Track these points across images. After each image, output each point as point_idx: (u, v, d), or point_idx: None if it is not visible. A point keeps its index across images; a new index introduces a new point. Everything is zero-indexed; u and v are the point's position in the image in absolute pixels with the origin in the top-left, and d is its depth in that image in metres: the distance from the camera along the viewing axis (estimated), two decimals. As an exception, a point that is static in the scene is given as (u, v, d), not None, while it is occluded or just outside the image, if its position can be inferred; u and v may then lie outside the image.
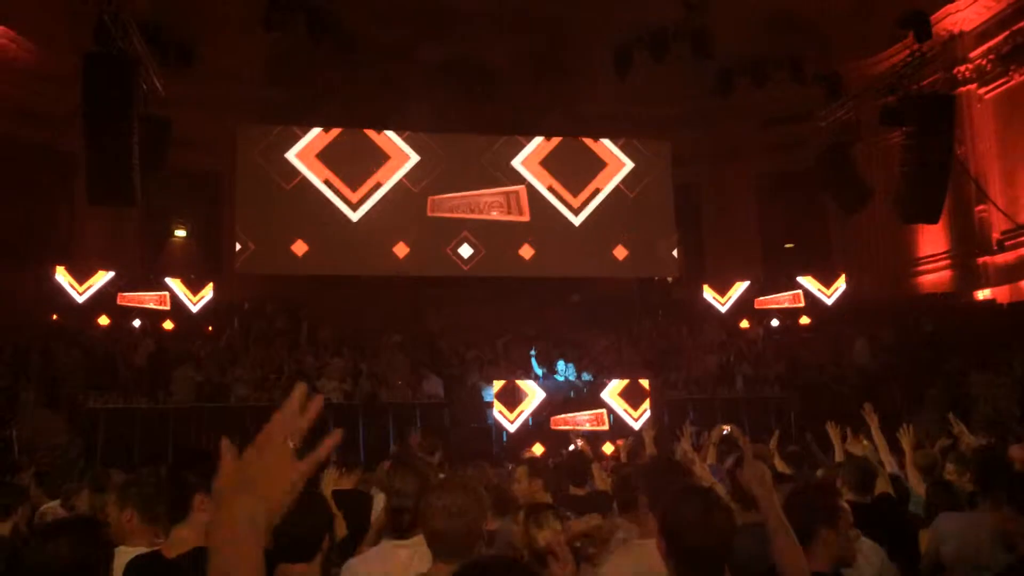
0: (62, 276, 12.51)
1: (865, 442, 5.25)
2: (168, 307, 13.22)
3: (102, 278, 12.79)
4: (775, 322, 14.72)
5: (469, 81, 14.85)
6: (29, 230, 13.85)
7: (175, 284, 13.29)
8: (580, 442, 7.55)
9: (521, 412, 11.22)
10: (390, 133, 14.59)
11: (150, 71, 10.61)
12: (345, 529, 3.32)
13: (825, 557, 2.32)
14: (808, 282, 14.64)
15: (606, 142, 15.35)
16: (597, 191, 15.13)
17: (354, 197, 14.32)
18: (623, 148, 15.39)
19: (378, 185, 14.38)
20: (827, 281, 14.62)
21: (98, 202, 9.92)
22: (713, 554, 1.91)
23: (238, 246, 13.92)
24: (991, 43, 13.75)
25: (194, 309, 13.36)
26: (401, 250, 14.35)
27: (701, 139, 16.85)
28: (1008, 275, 13.61)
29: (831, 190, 13.86)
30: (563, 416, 11.22)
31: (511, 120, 15.25)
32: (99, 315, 12.67)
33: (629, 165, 15.31)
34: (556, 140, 15.13)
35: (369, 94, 14.73)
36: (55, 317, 12.75)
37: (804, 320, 14.61)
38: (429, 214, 14.53)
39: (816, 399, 11.79)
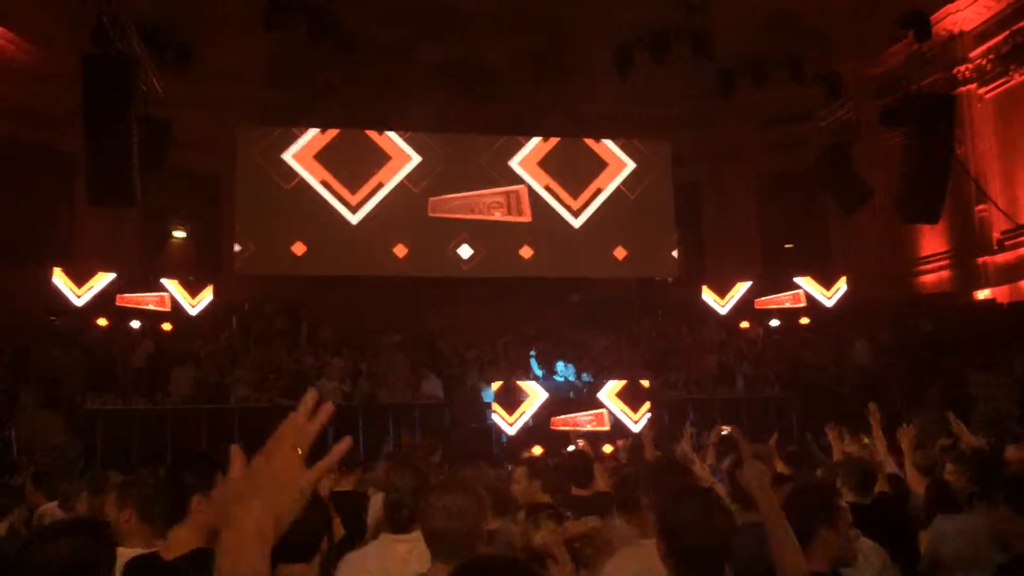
0: (59, 278, 12.51)
1: (866, 440, 5.26)
2: (168, 308, 13.21)
3: (102, 279, 12.79)
4: (775, 322, 14.72)
5: (469, 81, 14.84)
6: (29, 230, 13.84)
7: (173, 286, 13.28)
8: (581, 442, 7.54)
9: (522, 413, 11.20)
10: (391, 134, 14.60)
11: (149, 72, 10.61)
12: (343, 529, 3.32)
13: (825, 557, 2.32)
14: (807, 283, 14.64)
15: (607, 142, 15.37)
16: (599, 191, 15.15)
17: (354, 198, 14.32)
18: (624, 148, 15.40)
19: (379, 186, 14.40)
20: (827, 282, 14.62)
21: (97, 203, 9.92)
22: (712, 554, 1.90)
23: (237, 247, 13.92)
24: (991, 43, 13.75)
25: (193, 312, 13.35)
26: (401, 251, 14.36)
27: (701, 139, 16.85)
28: (1008, 275, 13.61)
29: (831, 190, 13.87)
30: (563, 417, 11.20)
31: (511, 120, 15.25)
32: (98, 316, 12.66)
33: (631, 166, 15.33)
34: (555, 140, 15.14)
35: (369, 94, 14.73)
36: (53, 318, 12.74)
37: (804, 320, 14.61)
38: (430, 215, 14.55)
39: (816, 399, 11.79)
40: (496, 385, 11.47)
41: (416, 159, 14.59)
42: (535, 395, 11.32)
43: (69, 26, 12.33)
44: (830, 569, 2.35)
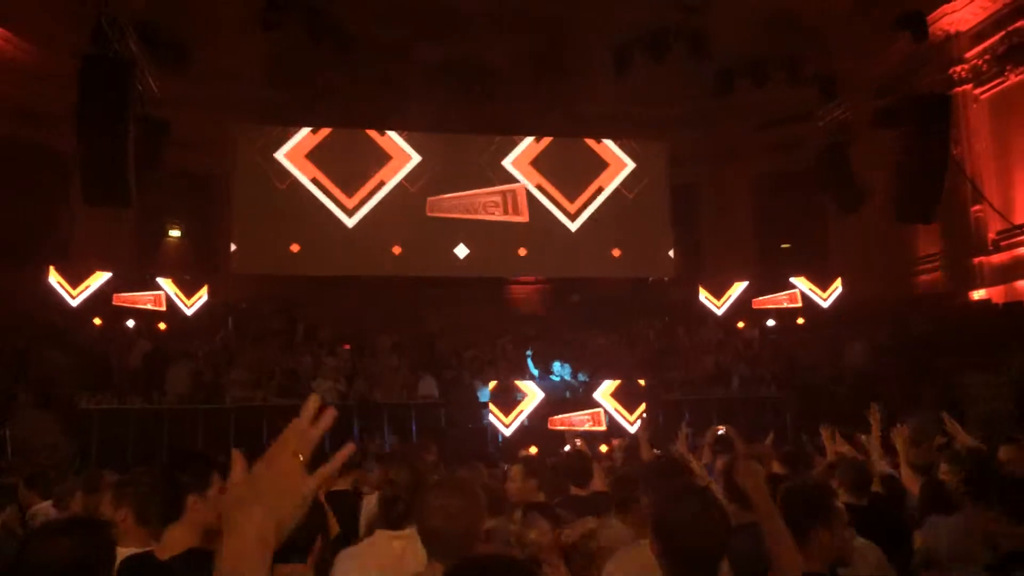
0: (54, 278, 12.48)
1: (865, 437, 5.28)
2: (164, 308, 13.19)
3: (99, 279, 12.77)
4: (771, 322, 14.74)
5: (469, 81, 14.84)
6: (28, 230, 13.81)
7: (168, 285, 13.26)
8: (579, 442, 7.53)
9: (520, 413, 11.20)
10: (391, 133, 14.60)
11: (146, 72, 10.59)
12: (338, 528, 3.32)
13: (821, 557, 2.33)
14: (803, 283, 14.66)
15: (608, 142, 15.40)
16: (600, 190, 15.21)
17: (351, 199, 14.32)
18: (622, 148, 15.42)
19: (380, 184, 14.42)
20: (823, 283, 14.65)
21: (93, 203, 9.90)
22: (706, 554, 1.90)
23: (233, 246, 13.90)
24: (987, 43, 13.77)
25: (189, 312, 13.33)
26: (398, 251, 14.36)
27: (700, 139, 16.88)
28: (1003, 275, 13.64)
29: (829, 190, 13.90)
30: (560, 416, 11.20)
31: (511, 120, 15.26)
32: (94, 316, 12.64)
33: (631, 166, 15.35)
34: (547, 140, 15.15)
35: (368, 94, 14.73)
36: (50, 318, 12.70)
37: (800, 320, 14.63)
38: (428, 214, 14.55)
39: (812, 400, 11.79)
40: (492, 385, 11.47)
41: (416, 158, 14.59)
42: (533, 395, 11.32)
43: (68, 26, 12.28)
44: (826, 569, 2.35)
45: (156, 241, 15.80)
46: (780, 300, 14.82)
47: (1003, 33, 13.45)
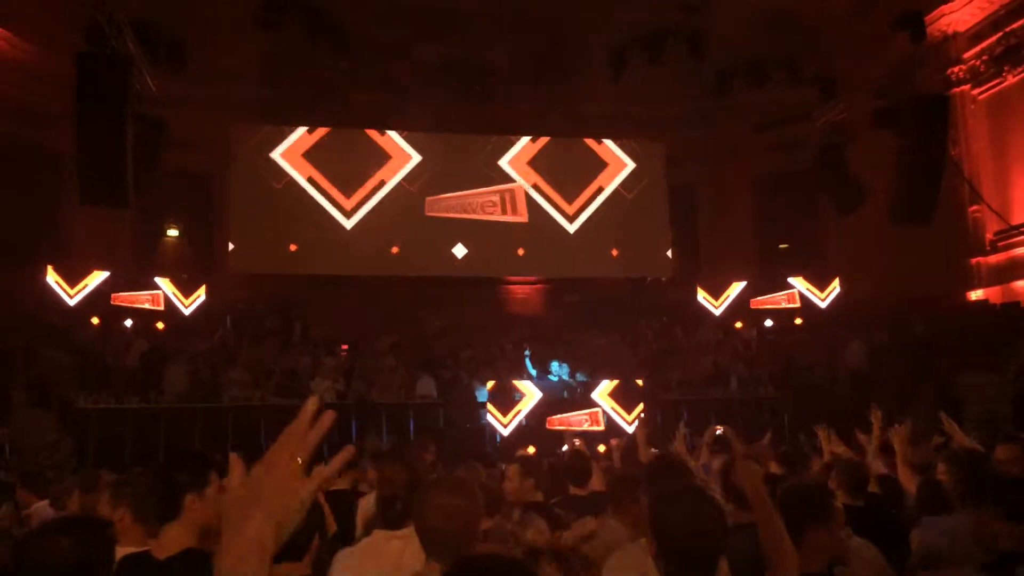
0: (52, 277, 12.46)
1: (864, 437, 5.29)
2: (161, 307, 13.18)
3: (97, 278, 12.75)
4: (769, 322, 14.75)
5: (468, 81, 14.86)
6: (26, 230, 13.79)
7: (166, 285, 13.25)
8: (577, 441, 7.53)
9: (518, 413, 11.20)
10: (392, 133, 14.60)
11: (143, 71, 10.56)
12: (335, 527, 3.33)
13: (818, 556, 2.33)
14: (801, 284, 14.67)
15: (608, 142, 15.41)
16: (599, 190, 15.23)
17: (350, 199, 14.32)
18: (621, 148, 15.43)
19: (380, 184, 14.44)
20: (821, 283, 14.65)
21: (91, 203, 9.87)
22: (704, 554, 1.90)
23: (231, 246, 13.89)
24: (984, 44, 13.79)
25: (186, 311, 13.33)
26: (396, 250, 14.36)
27: (699, 139, 16.88)
28: (1001, 276, 13.66)
29: (828, 191, 13.90)
30: (559, 416, 11.20)
31: (510, 120, 15.26)
32: (92, 315, 12.63)
33: (630, 166, 15.36)
34: (544, 140, 15.16)
35: (368, 94, 14.72)
36: (48, 317, 12.69)
37: (798, 321, 14.65)
38: (426, 214, 14.55)
39: (810, 400, 11.80)
40: (490, 385, 11.47)
41: (416, 158, 14.59)
42: (531, 395, 11.32)
43: (67, 26, 12.25)
44: (824, 568, 2.35)
45: (154, 241, 15.78)
46: (778, 300, 14.83)
47: (1000, 34, 13.47)
